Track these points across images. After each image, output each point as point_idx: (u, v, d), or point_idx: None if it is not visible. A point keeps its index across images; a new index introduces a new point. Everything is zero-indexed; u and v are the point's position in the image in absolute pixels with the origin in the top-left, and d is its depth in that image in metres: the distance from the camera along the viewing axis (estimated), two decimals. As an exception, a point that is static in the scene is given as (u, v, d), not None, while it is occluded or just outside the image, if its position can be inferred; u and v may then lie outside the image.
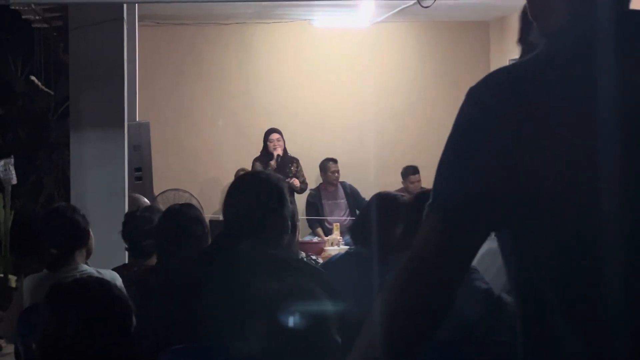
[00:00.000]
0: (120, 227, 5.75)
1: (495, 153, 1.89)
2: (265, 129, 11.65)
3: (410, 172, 11.27)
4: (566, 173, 1.87)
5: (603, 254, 1.88)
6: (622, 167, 1.87)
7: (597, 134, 1.86)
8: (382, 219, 4.80)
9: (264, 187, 3.58)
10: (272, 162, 11.15)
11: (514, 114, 1.88)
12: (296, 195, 10.00)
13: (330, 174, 11.55)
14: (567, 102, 1.88)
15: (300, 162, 11.54)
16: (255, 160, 11.36)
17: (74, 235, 5.15)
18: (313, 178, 11.80)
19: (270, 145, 11.33)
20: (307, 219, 11.04)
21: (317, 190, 11.56)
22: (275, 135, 11.38)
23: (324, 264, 5.42)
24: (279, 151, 11.29)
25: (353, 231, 5.21)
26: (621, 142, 1.86)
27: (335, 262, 5.14)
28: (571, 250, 1.89)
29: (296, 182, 11.06)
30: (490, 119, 1.89)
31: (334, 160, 11.62)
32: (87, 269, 5.11)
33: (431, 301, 1.92)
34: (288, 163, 11.37)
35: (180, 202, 6.26)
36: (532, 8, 2.08)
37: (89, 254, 5.25)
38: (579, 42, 1.94)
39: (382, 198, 5.10)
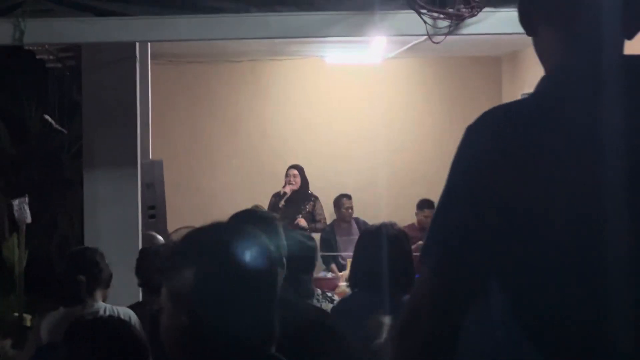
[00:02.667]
0: (134, 265, 5.77)
1: (488, 196, 1.88)
2: (279, 165, 11.66)
3: (425, 205, 11.25)
4: (559, 217, 1.86)
5: (602, 298, 1.86)
6: (617, 211, 1.85)
7: (590, 177, 1.86)
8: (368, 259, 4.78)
9: None
10: (281, 203, 11.12)
11: (509, 156, 1.88)
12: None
13: (344, 210, 11.54)
14: (562, 146, 1.88)
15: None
16: (273, 195, 11.38)
17: (97, 278, 5.39)
18: (327, 214, 11.78)
19: (285, 180, 11.34)
20: (321, 255, 11.00)
21: (331, 226, 11.54)
22: (292, 171, 11.37)
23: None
24: (287, 189, 11.25)
25: (350, 278, 5.12)
26: (615, 185, 1.85)
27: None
28: (566, 302, 1.88)
29: (302, 221, 10.98)
30: (485, 159, 1.90)
31: (348, 197, 11.61)
32: (103, 306, 5.20)
33: (433, 347, 1.93)
34: (304, 201, 11.32)
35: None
36: (535, 47, 2.10)
37: (105, 296, 5.47)
38: (574, 84, 1.94)
39: (364, 237, 5.07)
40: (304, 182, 11.37)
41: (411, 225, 10.81)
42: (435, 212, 1.95)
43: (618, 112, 1.89)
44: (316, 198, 11.39)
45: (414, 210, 11.40)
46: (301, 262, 4.45)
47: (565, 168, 1.87)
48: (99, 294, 5.37)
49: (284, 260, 3.64)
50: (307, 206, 11.28)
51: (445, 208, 1.94)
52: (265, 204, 11.21)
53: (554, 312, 1.88)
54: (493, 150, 1.90)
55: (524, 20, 2.08)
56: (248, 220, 3.69)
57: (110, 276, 5.50)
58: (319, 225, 11.23)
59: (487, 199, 1.88)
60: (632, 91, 1.92)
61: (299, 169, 11.41)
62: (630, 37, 2.02)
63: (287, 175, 11.35)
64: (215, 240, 2.34)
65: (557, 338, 1.89)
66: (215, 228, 2.43)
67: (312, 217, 11.23)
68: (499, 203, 1.87)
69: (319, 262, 10.78)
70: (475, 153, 1.92)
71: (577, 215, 1.86)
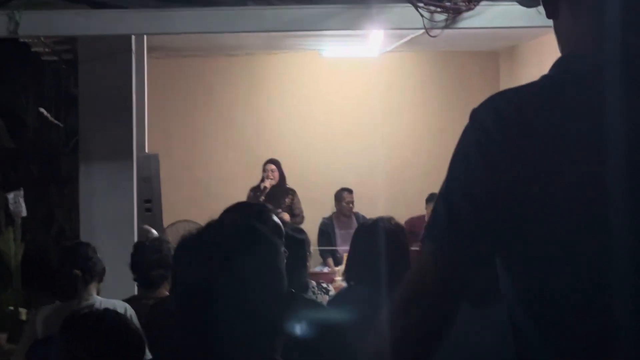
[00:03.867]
0: (129, 258, 5.76)
1: (492, 180, 1.86)
2: (277, 159, 11.66)
3: (434, 199, 11.23)
4: (565, 205, 1.83)
5: (603, 291, 1.84)
6: (624, 199, 1.82)
7: (598, 166, 1.83)
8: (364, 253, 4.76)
9: None
10: (262, 197, 11.13)
11: (514, 141, 1.85)
12: (307, 224, 10.07)
13: (345, 204, 11.56)
14: (569, 132, 1.85)
15: (311, 192, 11.49)
16: (251, 189, 11.39)
17: (93, 269, 5.39)
18: (324, 208, 11.77)
19: (263, 175, 11.37)
20: (319, 249, 11.00)
21: (331, 219, 11.55)
22: (270, 166, 11.41)
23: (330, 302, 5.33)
24: (267, 183, 11.29)
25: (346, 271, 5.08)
26: (624, 174, 1.82)
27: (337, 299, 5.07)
28: (568, 286, 1.86)
29: (286, 216, 10.98)
30: (489, 142, 1.87)
31: (349, 191, 11.62)
32: (99, 299, 5.20)
33: (428, 328, 1.91)
34: (284, 194, 11.33)
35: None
36: (555, 29, 2.04)
37: (99, 290, 5.49)
38: (588, 70, 1.90)
39: (360, 232, 5.04)
40: (282, 176, 11.43)
41: (421, 217, 10.78)
42: (438, 195, 1.94)
43: (631, 103, 1.86)
44: (294, 192, 11.43)
45: (412, 204, 11.40)
46: (294, 256, 4.44)
47: (573, 155, 1.84)
48: (93, 288, 5.38)
49: (284, 250, 3.64)
50: (286, 200, 11.29)
51: (449, 191, 1.92)
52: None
53: (561, 303, 1.87)
54: (499, 135, 1.87)
55: (547, 0, 2.02)
56: (242, 213, 3.70)
57: (104, 270, 5.50)
58: (297, 220, 11.24)
59: (491, 184, 1.86)
60: None
61: (277, 163, 11.47)
62: None
63: (264, 170, 11.39)
64: (222, 241, 2.33)
65: (565, 329, 1.87)
66: (223, 227, 2.42)
67: (290, 212, 11.24)
68: (503, 188, 1.85)
69: (316, 256, 10.79)
70: (481, 137, 1.89)
71: (583, 204, 1.83)
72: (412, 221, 10.09)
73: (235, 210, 3.74)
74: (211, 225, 2.38)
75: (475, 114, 1.92)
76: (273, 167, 11.40)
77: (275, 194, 11.27)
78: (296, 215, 11.28)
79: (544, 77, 1.95)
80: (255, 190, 11.31)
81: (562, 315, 1.86)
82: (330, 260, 10.98)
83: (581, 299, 1.85)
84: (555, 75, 1.94)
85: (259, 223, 2.44)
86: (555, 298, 1.86)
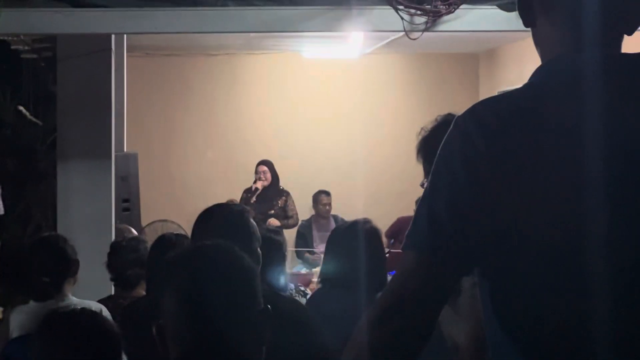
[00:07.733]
0: (106, 258, 5.72)
1: (475, 189, 1.85)
2: (254, 159, 11.63)
3: None
4: (548, 214, 1.83)
5: (583, 300, 1.83)
6: (607, 207, 1.82)
7: (582, 174, 1.82)
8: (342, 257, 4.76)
9: None
10: (253, 199, 11.11)
11: (499, 154, 1.85)
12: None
13: (322, 206, 11.54)
14: (553, 143, 1.85)
15: (291, 193, 11.44)
16: (244, 191, 11.35)
17: (64, 265, 5.21)
18: (305, 209, 11.75)
19: (255, 176, 11.33)
20: (295, 251, 10.98)
21: (309, 221, 11.54)
22: (261, 167, 11.35)
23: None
24: (259, 184, 11.25)
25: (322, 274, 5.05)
26: (607, 182, 1.82)
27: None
28: (549, 295, 1.85)
29: (274, 222, 10.92)
30: (473, 153, 1.86)
31: (327, 193, 11.60)
32: (75, 300, 5.12)
33: (408, 336, 1.90)
34: (276, 196, 11.29)
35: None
36: (533, 38, 2.05)
37: (74, 282, 5.31)
38: (566, 78, 1.90)
39: (335, 235, 5.05)
40: (275, 177, 11.37)
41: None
42: (420, 202, 1.92)
43: (610, 109, 1.86)
44: (288, 193, 11.37)
45: (391, 205, 11.41)
46: (272, 256, 4.45)
47: (556, 164, 1.83)
48: (67, 285, 5.23)
49: (259, 252, 3.65)
50: (279, 202, 11.25)
51: (432, 200, 1.90)
52: (239, 198, 11.19)
53: (539, 319, 1.86)
54: (483, 147, 1.86)
55: (523, 10, 2.02)
56: (220, 214, 3.76)
57: (77, 262, 5.33)
58: (291, 222, 11.22)
59: (475, 196, 1.86)
60: (625, 89, 1.89)
61: (268, 164, 11.40)
62: (630, 32, 1.98)
63: (256, 171, 11.34)
64: (201, 260, 2.43)
65: (541, 347, 1.87)
66: (195, 249, 2.52)
67: (284, 213, 11.21)
68: (487, 200, 1.85)
69: (294, 257, 10.78)
70: (465, 148, 1.88)
71: (568, 215, 1.83)
72: (405, 220, 9.87)
73: (208, 211, 3.76)
74: (186, 245, 2.48)
75: (459, 123, 1.91)
76: (265, 168, 11.34)
77: (268, 195, 11.22)
78: (289, 217, 11.24)
79: (526, 86, 1.95)
80: (248, 191, 11.28)
81: (539, 332, 1.86)
82: (308, 256, 10.93)
83: (560, 317, 1.85)
84: (537, 84, 1.94)
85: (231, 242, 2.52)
86: (533, 314, 1.86)
